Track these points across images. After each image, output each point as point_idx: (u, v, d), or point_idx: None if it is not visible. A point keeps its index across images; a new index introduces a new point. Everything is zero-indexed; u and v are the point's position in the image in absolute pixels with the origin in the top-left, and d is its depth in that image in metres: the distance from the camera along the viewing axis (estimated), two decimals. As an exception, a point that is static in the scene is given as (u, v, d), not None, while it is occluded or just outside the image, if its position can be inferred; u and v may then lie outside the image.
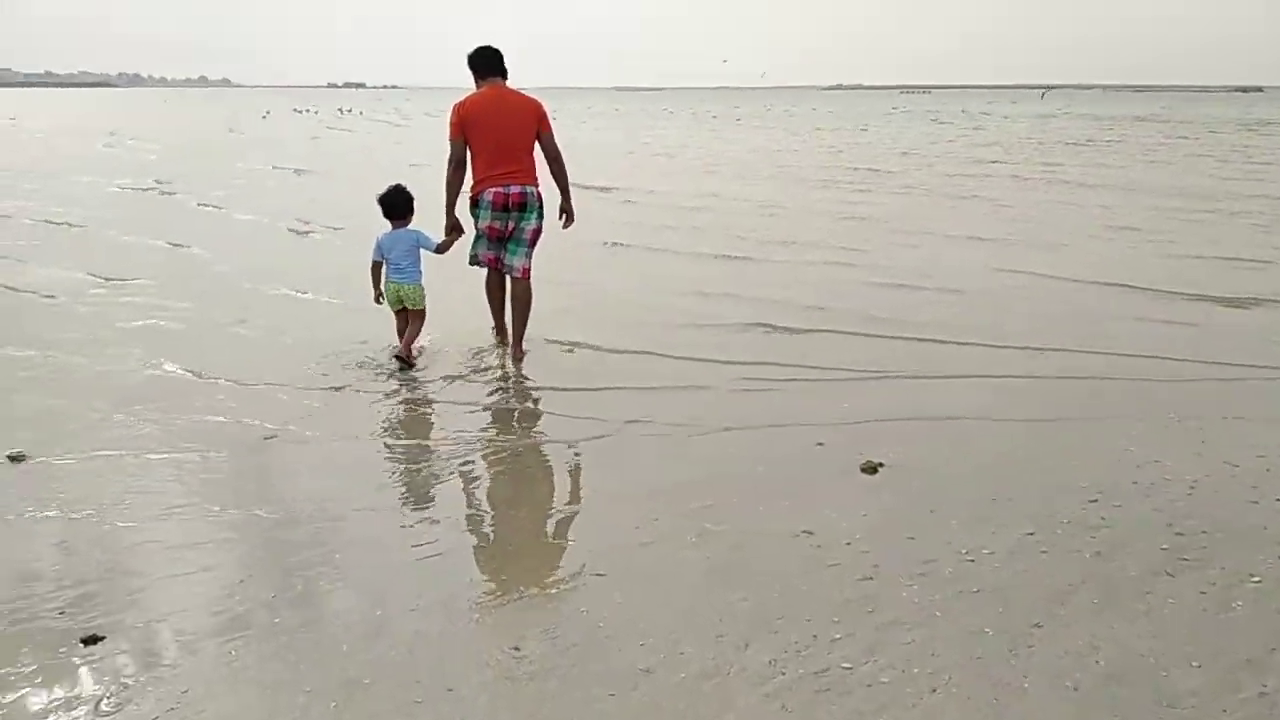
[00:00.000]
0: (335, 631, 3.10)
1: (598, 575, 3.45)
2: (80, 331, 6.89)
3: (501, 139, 5.90)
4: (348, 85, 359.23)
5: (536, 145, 6.05)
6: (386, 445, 4.84)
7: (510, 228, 6.02)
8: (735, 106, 78.81)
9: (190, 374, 5.88)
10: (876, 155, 24.59)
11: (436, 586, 3.38)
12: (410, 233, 6.13)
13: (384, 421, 5.14)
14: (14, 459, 4.51)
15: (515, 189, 5.92)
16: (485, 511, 4.13)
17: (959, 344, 6.55)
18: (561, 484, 4.45)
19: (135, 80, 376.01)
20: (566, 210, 6.28)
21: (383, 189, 6.20)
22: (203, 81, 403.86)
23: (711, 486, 4.21)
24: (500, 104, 5.97)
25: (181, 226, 12.05)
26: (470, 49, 6.15)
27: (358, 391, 5.55)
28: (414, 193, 6.23)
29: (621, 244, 10.66)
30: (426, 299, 6.17)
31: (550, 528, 3.93)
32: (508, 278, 6.21)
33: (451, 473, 4.45)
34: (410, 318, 6.12)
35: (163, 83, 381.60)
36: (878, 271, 9.12)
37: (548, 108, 6.21)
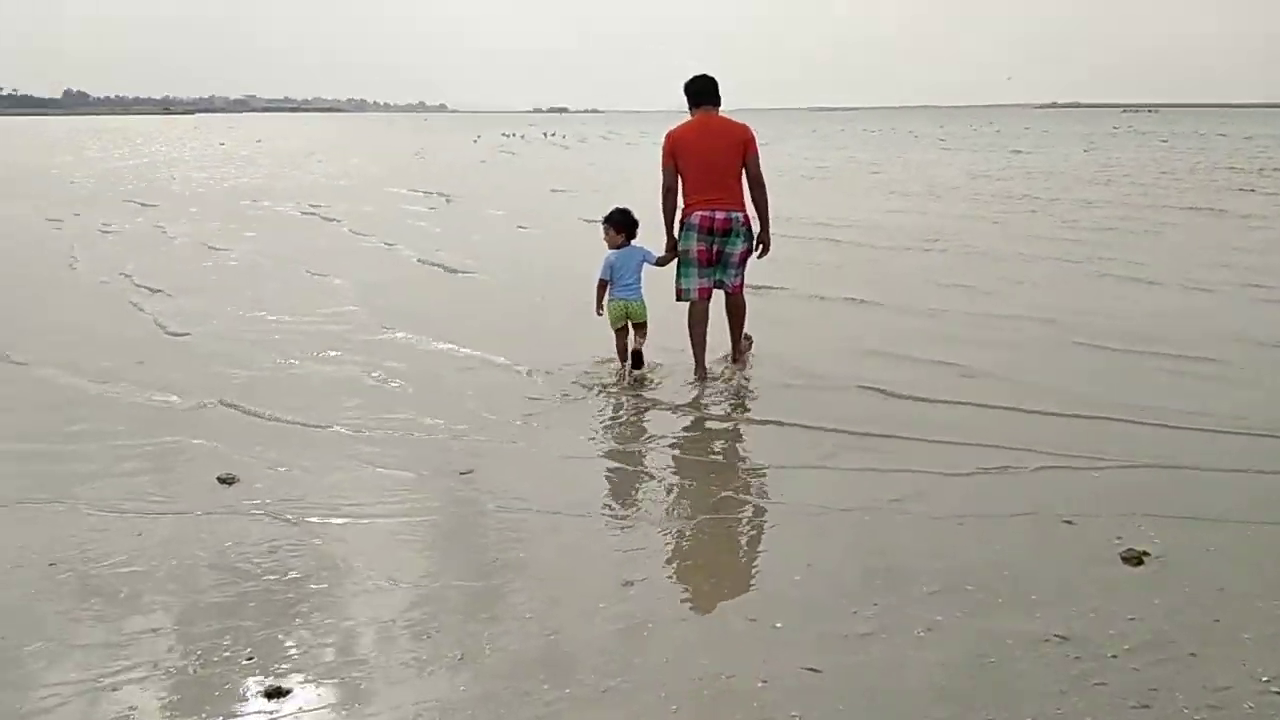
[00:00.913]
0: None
1: (811, 671, 3.02)
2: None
3: (709, 164, 6.10)
4: (551, 110, 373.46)
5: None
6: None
7: (717, 251, 6.18)
8: (941, 125, 75.76)
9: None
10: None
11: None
12: (636, 250, 6.36)
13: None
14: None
15: (720, 214, 6.08)
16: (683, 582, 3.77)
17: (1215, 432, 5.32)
18: (769, 551, 4.04)
19: (361, 105, 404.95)
20: (764, 240, 6.35)
21: (608, 210, 6.45)
22: (421, 106, 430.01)
23: (942, 571, 3.69)
24: (708, 130, 6.16)
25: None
26: (688, 77, 6.37)
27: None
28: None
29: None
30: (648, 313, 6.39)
31: (752, 604, 3.52)
32: (710, 309, 6.31)
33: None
34: (635, 329, 6.36)
35: (386, 108, 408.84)
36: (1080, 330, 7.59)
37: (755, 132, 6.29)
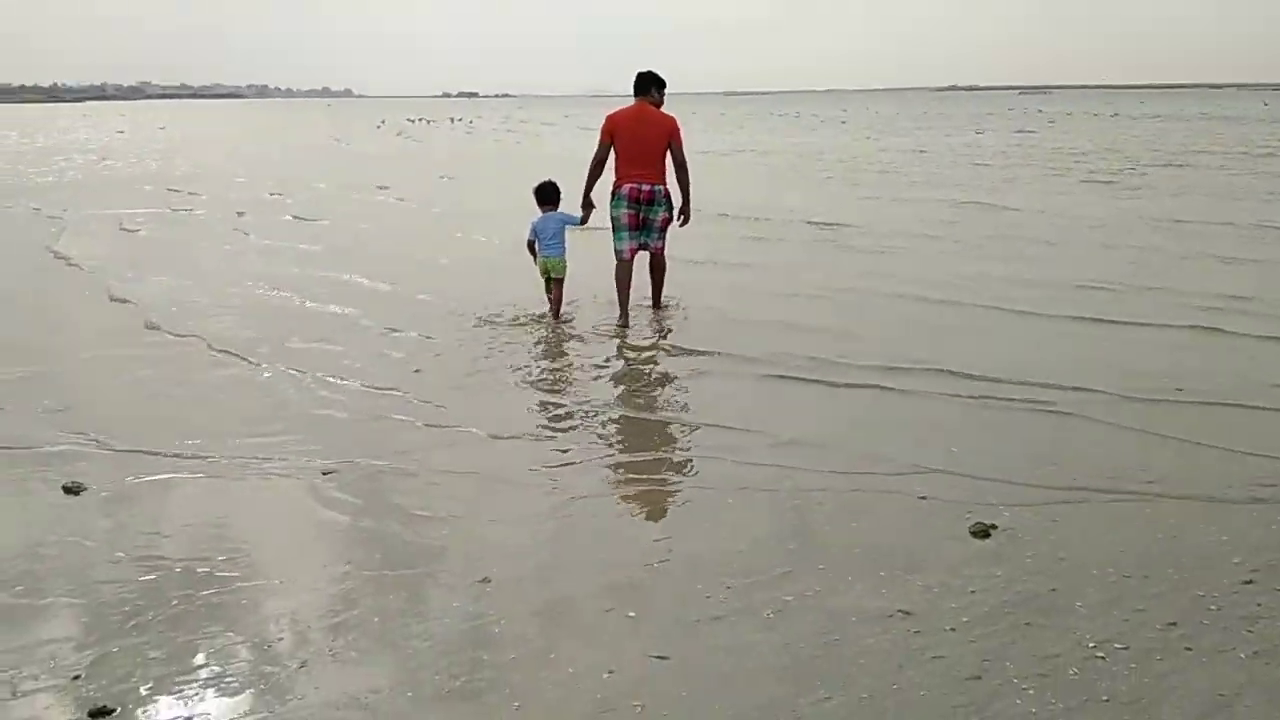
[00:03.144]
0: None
1: (659, 658, 3.04)
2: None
3: (640, 147, 7.27)
4: (461, 95, 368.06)
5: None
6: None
7: (643, 218, 7.33)
8: (842, 109, 77.11)
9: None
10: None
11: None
12: (557, 215, 7.56)
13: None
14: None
15: (646, 187, 7.28)
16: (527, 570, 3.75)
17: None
18: (630, 537, 4.04)
19: (263, 91, 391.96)
20: (684, 211, 7.56)
21: (537, 183, 7.60)
22: (326, 92, 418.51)
23: (796, 549, 3.75)
24: (642, 118, 7.36)
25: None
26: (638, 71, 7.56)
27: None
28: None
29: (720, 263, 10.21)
30: (568, 270, 7.59)
31: (608, 594, 3.51)
32: (635, 265, 7.44)
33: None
34: (555, 284, 7.57)
35: (289, 94, 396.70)
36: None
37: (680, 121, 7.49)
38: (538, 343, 7.00)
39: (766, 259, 10.37)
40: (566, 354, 6.76)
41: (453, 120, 66.43)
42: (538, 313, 7.65)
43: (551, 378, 6.26)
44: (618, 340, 7.00)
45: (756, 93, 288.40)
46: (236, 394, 5.95)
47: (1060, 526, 3.93)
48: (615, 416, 5.50)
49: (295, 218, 14.62)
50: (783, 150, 30.01)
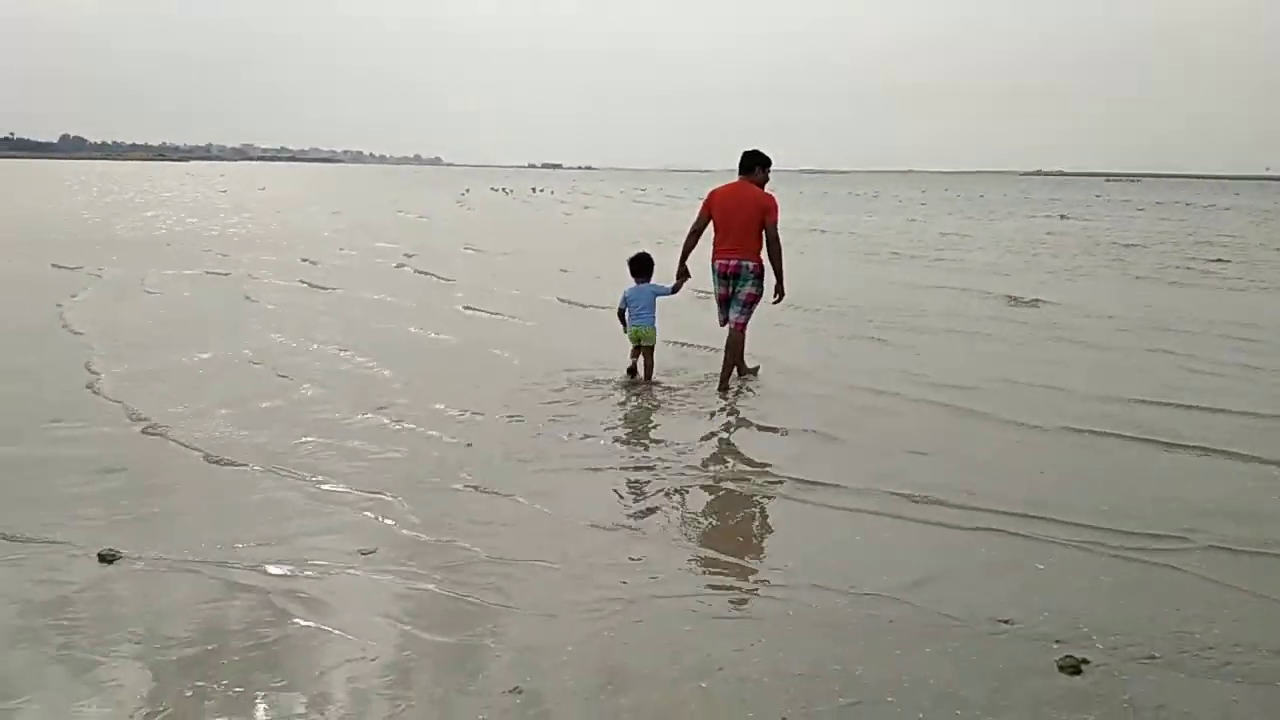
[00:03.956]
0: None
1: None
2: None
3: (733, 222, 7.58)
4: (545, 165, 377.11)
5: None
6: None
7: (729, 291, 7.66)
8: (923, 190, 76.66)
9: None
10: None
11: None
12: (650, 287, 7.91)
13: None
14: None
15: (733, 261, 7.60)
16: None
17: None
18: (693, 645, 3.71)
19: (357, 156, 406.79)
20: (779, 289, 7.76)
21: (632, 254, 8.06)
22: (417, 159, 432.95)
23: (861, 679, 3.39)
24: (738, 194, 7.66)
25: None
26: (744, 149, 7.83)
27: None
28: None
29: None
30: (657, 338, 7.91)
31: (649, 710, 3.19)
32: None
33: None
34: (644, 352, 7.85)
35: (382, 159, 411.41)
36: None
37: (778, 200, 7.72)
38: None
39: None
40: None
41: (533, 189, 67.83)
42: (622, 378, 7.84)
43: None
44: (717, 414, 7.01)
45: (837, 171, 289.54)
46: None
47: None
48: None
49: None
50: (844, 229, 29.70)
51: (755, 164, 7.70)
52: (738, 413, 7.03)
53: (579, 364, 8.31)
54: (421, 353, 9.28)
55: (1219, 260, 19.93)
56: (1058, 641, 3.61)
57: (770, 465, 5.81)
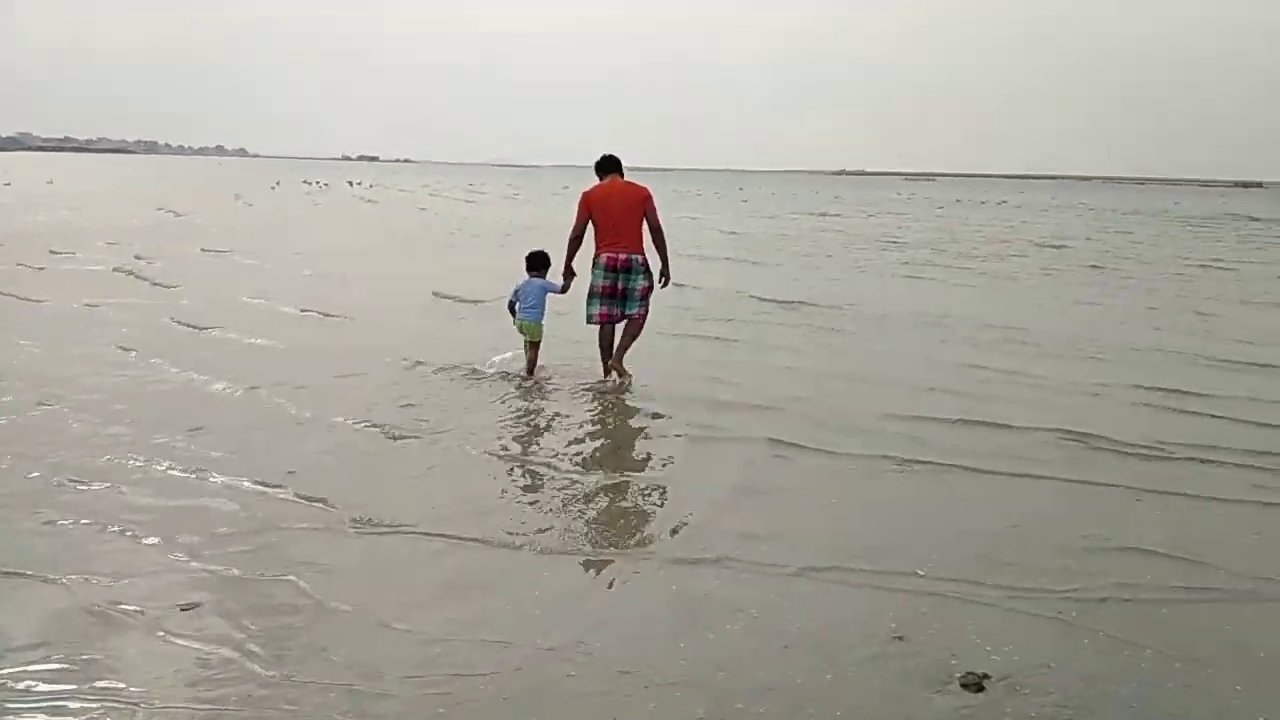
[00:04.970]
0: None
1: None
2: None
3: (617, 218, 7.70)
4: (361, 158, 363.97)
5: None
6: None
7: (620, 287, 7.71)
8: (740, 188, 78.59)
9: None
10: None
11: None
12: (541, 282, 7.98)
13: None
14: None
15: (623, 256, 7.69)
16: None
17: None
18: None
19: (152, 148, 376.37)
20: (665, 274, 8.02)
21: (530, 250, 8.13)
22: (220, 150, 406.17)
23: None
24: (614, 191, 7.82)
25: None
26: (597, 157, 8.09)
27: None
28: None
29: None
30: (544, 333, 8.06)
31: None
32: (617, 330, 7.85)
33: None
34: (530, 347, 8.00)
35: (180, 150, 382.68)
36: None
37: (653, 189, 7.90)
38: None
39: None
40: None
41: (351, 184, 65.17)
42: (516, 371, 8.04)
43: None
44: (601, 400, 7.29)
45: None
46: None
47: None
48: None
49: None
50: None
51: (616, 164, 7.97)
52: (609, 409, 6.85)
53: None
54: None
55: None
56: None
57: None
